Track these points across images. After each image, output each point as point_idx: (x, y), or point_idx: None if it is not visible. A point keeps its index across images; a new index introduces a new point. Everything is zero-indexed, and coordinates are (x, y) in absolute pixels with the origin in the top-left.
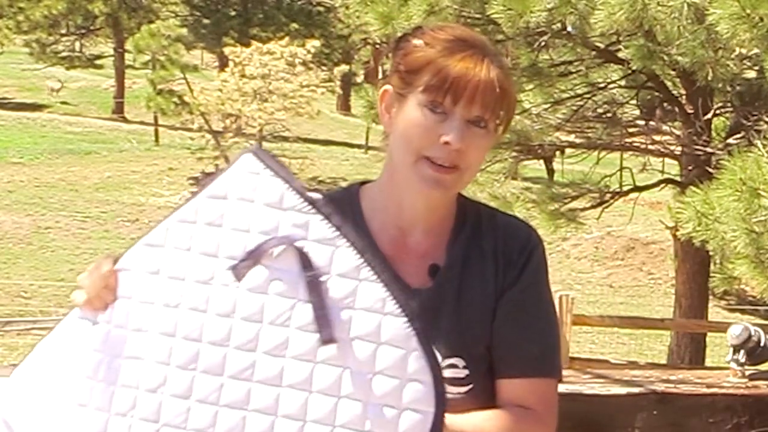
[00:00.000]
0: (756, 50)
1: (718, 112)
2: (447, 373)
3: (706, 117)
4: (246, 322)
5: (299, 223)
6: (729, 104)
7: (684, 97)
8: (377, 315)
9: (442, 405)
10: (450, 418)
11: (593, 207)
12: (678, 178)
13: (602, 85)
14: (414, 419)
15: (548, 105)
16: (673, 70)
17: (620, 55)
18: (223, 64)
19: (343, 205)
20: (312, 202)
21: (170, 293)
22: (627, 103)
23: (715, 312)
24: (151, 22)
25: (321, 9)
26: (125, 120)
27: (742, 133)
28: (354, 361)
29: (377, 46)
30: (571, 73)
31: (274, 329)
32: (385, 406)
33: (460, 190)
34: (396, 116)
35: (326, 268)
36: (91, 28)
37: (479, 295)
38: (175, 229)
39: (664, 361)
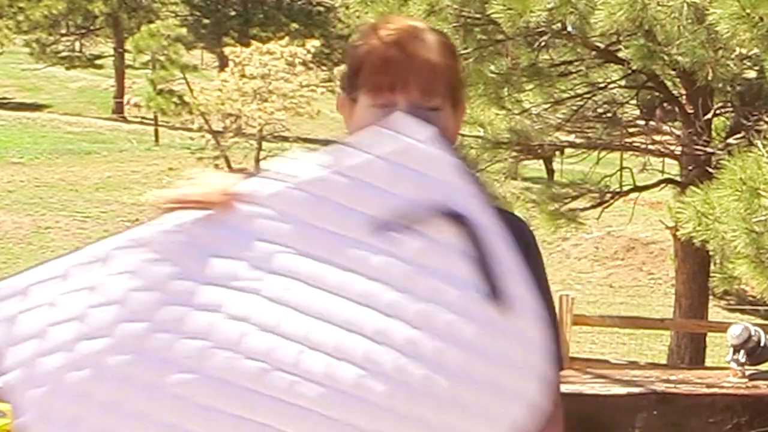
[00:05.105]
0: (756, 50)
1: (718, 112)
2: None
3: (706, 117)
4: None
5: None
6: (729, 104)
7: (684, 97)
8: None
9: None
10: None
11: (593, 207)
12: (678, 178)
13: (602, 85)
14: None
15: (548, 105)
16: (673, 70)
17: (620, 55)
18: (223, 64)
19: None
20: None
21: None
22: (627, 103)
23: (715, 312)
24: (151, 22)
25: (321, 9)
26: (125, 120)
27: (742, 133)
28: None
29: None
30: (571, 73)
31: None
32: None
33: None
34: (352, 121)
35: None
36: (91, 28)
37: None
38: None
39: (664, 361)
